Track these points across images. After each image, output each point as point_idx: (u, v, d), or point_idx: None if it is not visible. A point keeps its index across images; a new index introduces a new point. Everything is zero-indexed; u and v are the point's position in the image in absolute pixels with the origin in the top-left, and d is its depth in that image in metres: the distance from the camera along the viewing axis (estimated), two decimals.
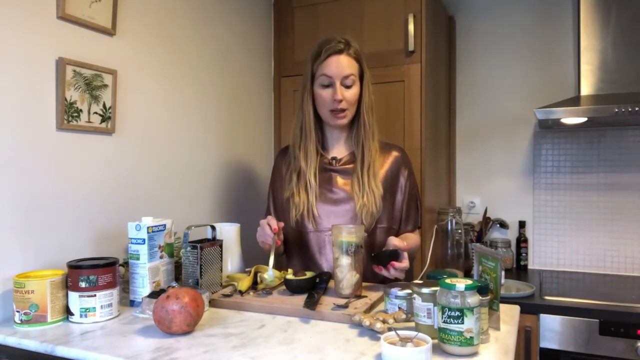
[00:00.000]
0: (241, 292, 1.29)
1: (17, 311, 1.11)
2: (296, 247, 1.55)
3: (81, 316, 1.13)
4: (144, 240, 1.24)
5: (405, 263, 1.29)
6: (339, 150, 1.56)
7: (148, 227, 1.24)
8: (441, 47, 2.22)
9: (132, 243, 1.25)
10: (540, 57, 2.33)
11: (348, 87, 1.45)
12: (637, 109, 1.74)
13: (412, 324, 1.01)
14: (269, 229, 1.37)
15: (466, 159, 2.48)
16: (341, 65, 1.44)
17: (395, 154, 1.57)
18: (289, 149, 1.59)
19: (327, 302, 1.21)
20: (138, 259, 1.24)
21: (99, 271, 1.14)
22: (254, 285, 1.35)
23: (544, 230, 2.33)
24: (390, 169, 1.54)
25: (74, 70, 1.33)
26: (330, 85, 1.45)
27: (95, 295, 1.13)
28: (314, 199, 1.49)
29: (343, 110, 1.46)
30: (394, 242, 1.30)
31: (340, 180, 1.52)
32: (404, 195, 1.55)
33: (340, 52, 1.44)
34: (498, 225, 2.39)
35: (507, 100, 2.39)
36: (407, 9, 1.93)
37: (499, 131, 2.41)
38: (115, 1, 1.44)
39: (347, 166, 1.52)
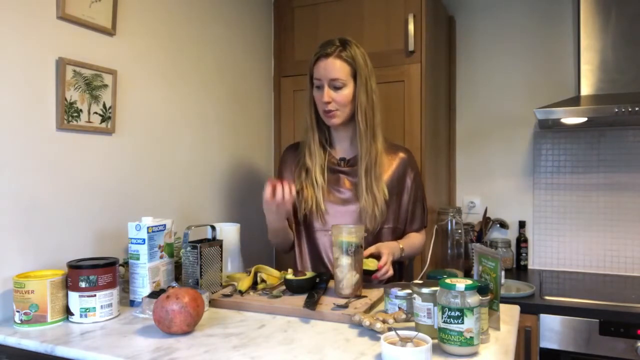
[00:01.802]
0: (241, 292, 1.29)
1: (17, 311, 1.11)
2: (305, 246, 1.57)
3: (81, 316, 1.13)
4: (144, 240, 1.24)
5: (384, 271, 1.34)
6: (346, 150, 1.57)
7: (148, 227, 1.24)
8: (441, 47, 2.22)
9: (132, 243, 1.25)
10: (540, 57, 2.33)
11: (337, 88, 1.46)
12: (637, 109, 1.73)
13: (412, 324, 1.01)
14: (281, 191, 1.36)
15: (466, 159, 2.48)
16: (328, 68, 1.45)
17: (401, 155, 1.58)
18: (300, 145, 1.61)
19: (327, 302, 1.21)
20: (138, 259, 1.24)
21: (99, 271, 1.14)
22: (254, 285, 1.35)
23: (544, 230, 2.33)
24: (396, 170, 1.55)
25: (74, 70, 1.32)
26: (320, 87, 1.47)
27: (95, 295, 1.13)
28: (321, 195, 1.50)
29: (332, 111, 1.47)
30: (378, 251, 1.38)
31: (347, 181, 1.54)
32: (409, 196, 1.57)
33: (328, 55, 1.45)
34: (498, 225, 2.39)
35: (507, 100, 2.39)
36: (407, 9, 1.93)
37: (499, 131, 2.41)
38: (115, 1, 1.44)
39: (353, 167, 1.54)
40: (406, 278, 1.88)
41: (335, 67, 1.44)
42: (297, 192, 1.53)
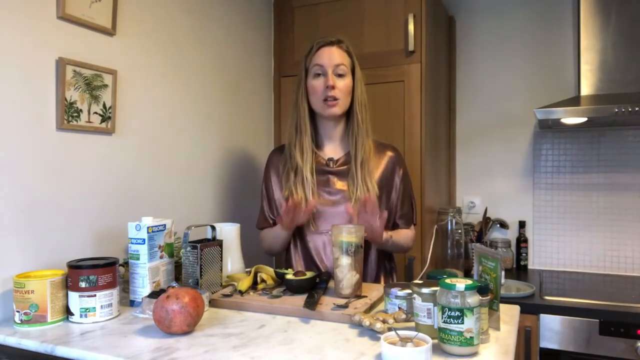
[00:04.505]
0: (241, 292, 1.29)
1: (17, 311, 1.11)
2: (298, 249, 1.56)
3: (81, 316, 1.13)
4: (144, 240, 1.24)
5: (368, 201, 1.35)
6: (334, 150, 1.56)
7: (148, 227, 1.24)
8: (441, 47, 2.22)
9: (132, 243, 1.25)
10: (540, 57, 2.33)
11: (340, 76, 1.48)
12: (637, 109, 1.74)
13: (412, 324, 1.01)
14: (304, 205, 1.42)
15: (466, 159, 2.48)
16: (333, 54, 1.49)
17: (389, 153, 1.58)
18: (285, 148, 1.59)
19: (327, 302, 1.21)
20: (138, 259, 1.24)
21: (99, 271, 1.14)
22: (254, 285, 1.35)
23: (544, 230, 2.33)
24: (385, 169, 1.55)
25: (74, 70, 1.33)
26: (322, 74, 1.48)
27: (95, 295, 1.13)
28: (311, 195, 1.49)
29: (335, 98, 1.47)
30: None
31: (338, 182, 1.52)
32: (398, 193, 1.56)
33: (332, 44, 1.50)
34: (498, 225, 2.39)
35: (507, 100, 2.39)
36: (407, 9, 1.93)
37: (499, 131, 2.41)
38: (115, 1, 1.44)
39: (343, 167, 1.53)
40: (406, 278, 1.88)
41: (339, 55, 1.49)
42: (287, 198, 1.52)
